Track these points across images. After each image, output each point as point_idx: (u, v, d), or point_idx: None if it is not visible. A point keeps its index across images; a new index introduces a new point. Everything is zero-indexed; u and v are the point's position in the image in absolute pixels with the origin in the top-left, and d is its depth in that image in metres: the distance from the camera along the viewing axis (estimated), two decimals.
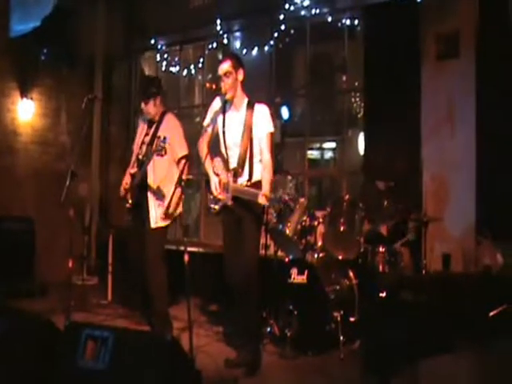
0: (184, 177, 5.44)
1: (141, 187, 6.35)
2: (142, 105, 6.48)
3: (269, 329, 6.17)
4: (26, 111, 9.64)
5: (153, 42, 10.45)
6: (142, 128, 6.67)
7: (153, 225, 6.28)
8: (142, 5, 10.47)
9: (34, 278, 8.67)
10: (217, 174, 5.53)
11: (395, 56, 7.40)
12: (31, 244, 8.82)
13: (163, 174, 6.30)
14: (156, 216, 6.28)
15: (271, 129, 5.51)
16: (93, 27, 10.32)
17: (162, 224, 6.34)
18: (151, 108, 6.47)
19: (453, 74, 7.19)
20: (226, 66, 5.53)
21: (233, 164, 5.49)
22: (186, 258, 4.97)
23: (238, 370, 5.25)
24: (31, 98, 9.67)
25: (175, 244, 8.33)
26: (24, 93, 9.58)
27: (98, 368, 3.64)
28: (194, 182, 11.03)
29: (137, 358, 3.57)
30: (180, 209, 6.40)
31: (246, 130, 5.47)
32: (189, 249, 5.04)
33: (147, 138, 6.48)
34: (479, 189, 6.88)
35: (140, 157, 6.46)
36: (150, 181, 6.30)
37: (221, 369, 5.11)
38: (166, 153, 6.08)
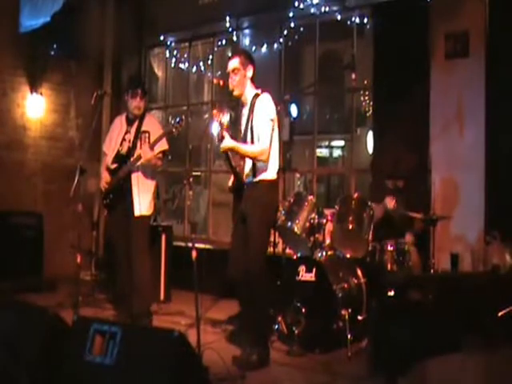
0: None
1: (124, 180, 6.45)
2: (137, 99, 6.56)
3: (276, 326, 6.19)
4: (36, 106, 9.67)
5: (162, 38, 10.45)
6: (119, 126, 6.75)
7: (137, 212, 6.38)
8: (151, 1, 10.47)
9: (42, 272, 8.70)
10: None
11: (404, 54, 7.38)
12: (40, 239, 8.84)
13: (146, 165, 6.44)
14: (140, 204, 6.40)
15: (272, 115, 5.45)
16: (102, 23, 10.34)
17: (146, 213, 6.42)
18: (142, 104, 6.62)
19: (462, 73, 7.16)
20: (233, 63, 5.53)
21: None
22: (194, 254, 4.98)
23: (246, 366, 5.25)
24: (41, 94, 9.70)
25: (183, 240, 8.39)
26: (33, 88, 9.61)
27: (105, 363, 3.65)
28: (201, 178, 11.06)
29: (144, 354, 3.57)
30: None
31: (248, 121, 5.48)
32: (197, 245, 5.06)
33: (129, 135, 6.60)
34: (488, 189, 6.86)
35: (121, 153, 6.57)
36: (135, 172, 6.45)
37: (228, 365, 5.10)
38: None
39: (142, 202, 6.42)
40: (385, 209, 6.70)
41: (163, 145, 6.48)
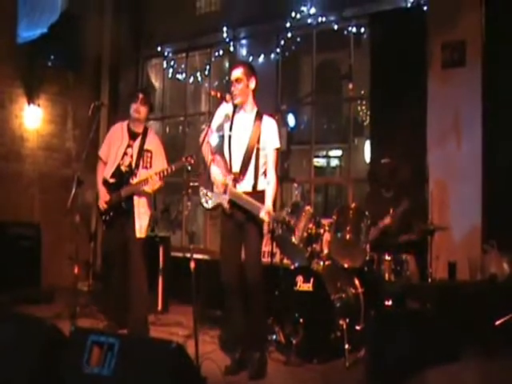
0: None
1: (125, 200, 6.45)
2: (137, 103, 6.53)
3: (274, 336, 6.17)
4: (33, 117, 9.66)
5: (159, 49, 10.47)
6: (120, 137, 6.66)
7: (138, 235, 6.42)
8: (149, 12, 10.50)
9: (40, 283, 8.69)
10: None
11: (401, 64, 7.41)
12: (37, 249, 8.83)
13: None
14: (141, 226, 6.44)
15: (277, 144, 5.54)
16: (100, 34, 10.36)
17: (144, 235, 6.51)
18: (142, 110, 6.56)
19: (459, 82, 7.18)
20: (237, 73, 5.54)
21: (234, 168, 5.50)
22: (192, 264, 4.98)
23: (237, 376, 5.30)
24: (38, 105, 9.70)
25: (181, 251, 8.37)
26: (31, 99, 9.61)
27: (103, 374, 3.64)
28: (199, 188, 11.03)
29: (142, 365, 3.57)
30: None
31: (252, 137, 5.47)
32: (195, 256, 5.05)
33: (130, 150, 6.55)
34: (485, 198, 6.87)
35: (122, 167, 6.53)
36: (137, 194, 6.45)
37: (226, 376, 5.11)
38: (151, 166, 6.44)
39: (143, 224, 6.45)
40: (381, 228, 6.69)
41: (163, 164, 6.51)
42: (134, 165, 6.47)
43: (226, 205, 5.44)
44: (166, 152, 6.63)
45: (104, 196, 6.53)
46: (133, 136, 6.60)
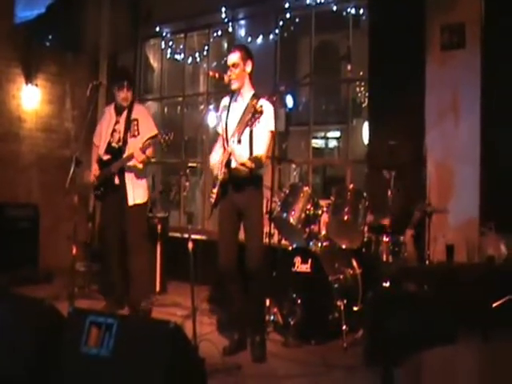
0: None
1: (116, 174, 6.57)
2: (123, 91, 6.64)
3: (272, 317, 6.20)
4: (31, 98, 9.63)
5: (158, 29, 10.43)
6: (108, 117, 6.81)
7: (130, 202, 6.49)
8: None
9: (38, 264, 8.70)
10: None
11: (400, 45, 7.37)
12: (35, 230, 8.84)
13: None
14: (133, 193, 6.51)
15: (272, 127, 5.47)
16: (98, 14, 10.29)
17: (140, 201, 6.53)
18: (130, 95, 6.70)
19: (458, 64, 7.15)
20: (233, 58, 5.52)
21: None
22: (190, 245, 4.99)
23: (236, 356, 5.34)
24: (36, 85, 9.67)
25: (179, 231, 8.38)
26: (29, 79, 9.57)
27: (101, 354, 3.65)
28: (197, 169, 11.05)
29: (140, 345, 3.57)
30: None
31: (247, 109, 5.41)
32: (193, 236, 5.06)
33: (118, 126, 6.67)
34: (483, 179, 6.86)
35: (113, 144, 6.65)
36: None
37: (224, 357, 5.14)
38: (138, 133, 6.55)
39: (136, 191, 6.51)
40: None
41: (152, 130, 6.59)
42: (122, 138, 6.58)
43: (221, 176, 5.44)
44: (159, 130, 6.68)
45: (95, 170, 6.69)
46: (119, 110, 6.72)
